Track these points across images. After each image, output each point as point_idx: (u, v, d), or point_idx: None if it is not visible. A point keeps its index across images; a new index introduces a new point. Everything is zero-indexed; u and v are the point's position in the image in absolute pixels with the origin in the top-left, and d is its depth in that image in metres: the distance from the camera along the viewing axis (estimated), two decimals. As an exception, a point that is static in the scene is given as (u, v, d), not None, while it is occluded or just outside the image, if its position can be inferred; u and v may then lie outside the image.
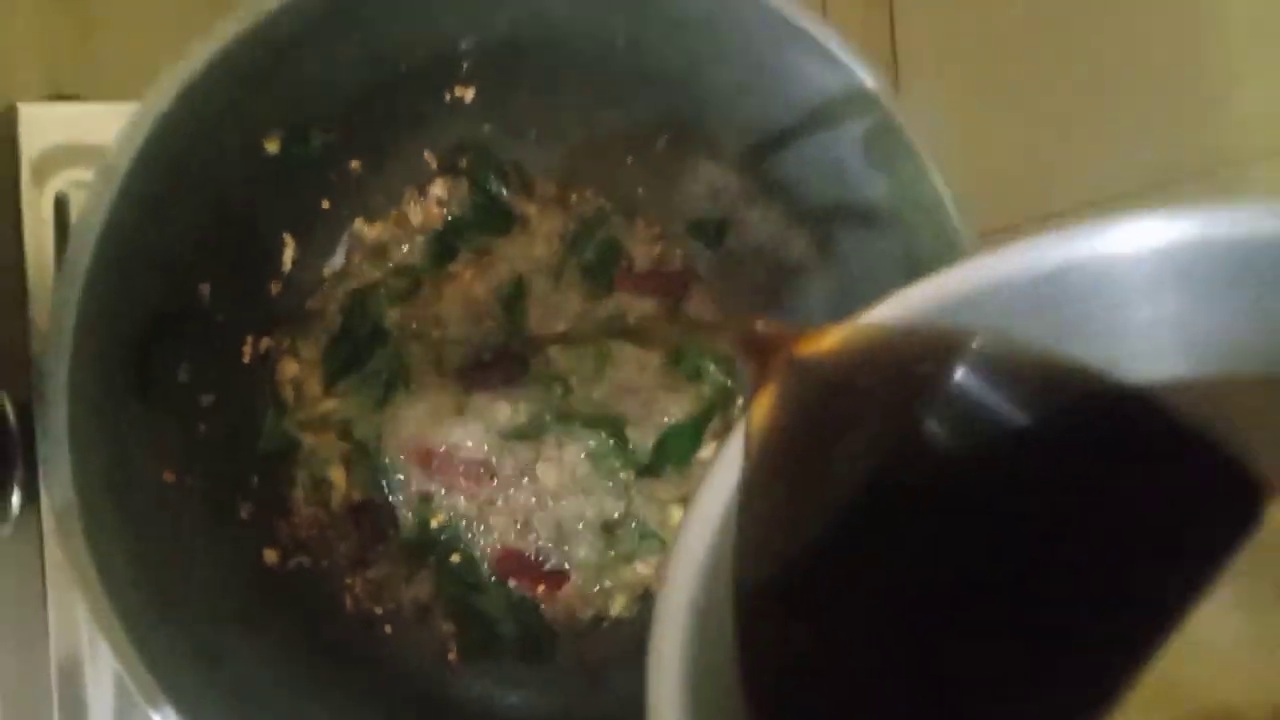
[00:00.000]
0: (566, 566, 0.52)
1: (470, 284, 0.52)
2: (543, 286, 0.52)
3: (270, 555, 0.48)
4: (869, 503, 0.33)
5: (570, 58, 0.48)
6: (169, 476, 0.43)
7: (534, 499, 0.51)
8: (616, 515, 0.52)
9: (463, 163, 0.51)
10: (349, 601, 0.49)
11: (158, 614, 0.39)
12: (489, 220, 0.51)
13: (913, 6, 0.78)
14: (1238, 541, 0.31)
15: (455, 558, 0.51)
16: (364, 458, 0.50)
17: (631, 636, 0.53)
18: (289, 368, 0.50)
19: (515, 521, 0.51)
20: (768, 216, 0.52)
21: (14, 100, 0.51)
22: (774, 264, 0.52)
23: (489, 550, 0.51)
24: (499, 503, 0.51)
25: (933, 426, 0.33)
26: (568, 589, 0.52)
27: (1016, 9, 0.73)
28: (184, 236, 0.43)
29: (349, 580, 0.50)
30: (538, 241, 0.52)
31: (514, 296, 0.51)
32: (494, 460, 0.51)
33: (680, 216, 0.53)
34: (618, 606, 0.53)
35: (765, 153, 0.50)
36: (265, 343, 0.49)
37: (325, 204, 0.50)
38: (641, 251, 0.53)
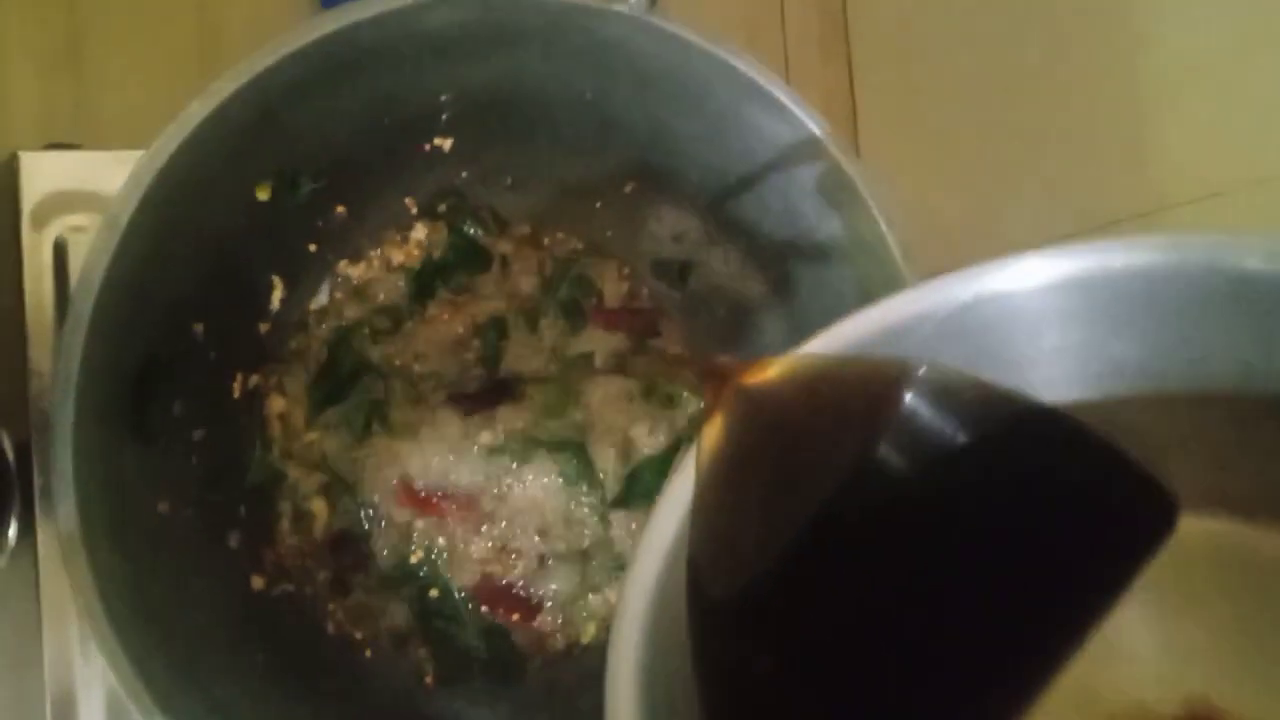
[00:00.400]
0: (540, 595, 0.54)
1: (451, 323, 0.54)
2: (521, 324, 0.55)
3: (257, 581, 0.50)
4: (819, 530, 0.36)
5: (542, 111, 0.51)
6: (164, 507, 0.46)
7: (509, 530, 0.54)
8: (588, 545, 0.54)
9: (441, 208, 0.54)
10: (331, 626, 0.52)
11: (154, 637, 0.42)
12: (467, 260, 0.54)
13: (870, 65, 0.82)
14: (1150, 552, 0.34)
15: (433, 592, 0.53)
16: (343, 490, 0.53)
17: (602, 662, 0.55)
18: (276, 403, 0.52)
19: (491, 552, 0.54)
20: (728, 257, 0.55)
21: (15, 149, 0.53)
22: (735, 302, 0.55)
23: (466, 581, 0.54)
24: (476, 535, 0.53)
25: (885, 451, 0.36)
26: (541, 618, 0.54)
27: (965, 64, 0.77)
28: (180, 280, 0.46)
29: (331, 606, 0.52)
30: (515, 280, 0.55)
31: (494, 333, 0.54)
32: (471, 491, 0.53)
33: (646, 258, 0.57)
34: (589, 635, 0.55)
35: (725, 198, 0.53)
36: (254, 379, 0.52)
37: (312, 247, 0.53)
38: (612, 289, 0.56)
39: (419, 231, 0.54)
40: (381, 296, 0.54)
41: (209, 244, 0.47)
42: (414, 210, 0.54)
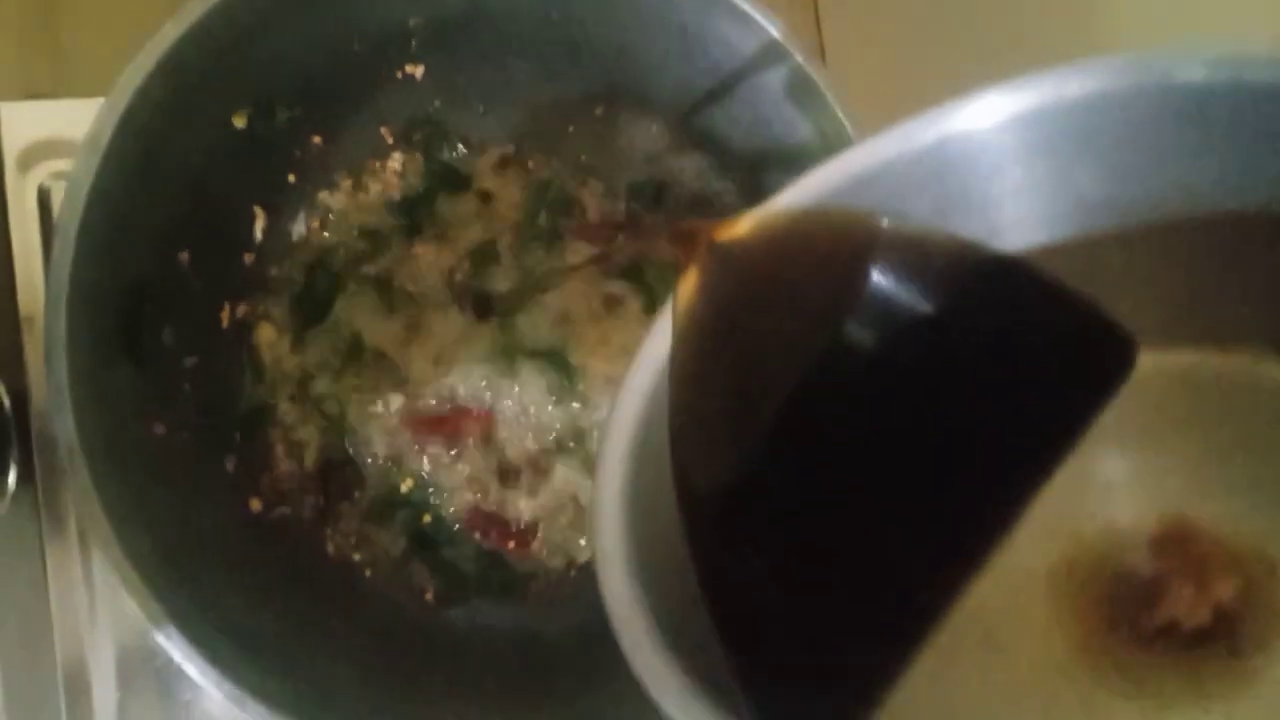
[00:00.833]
0: (535, 519, 0.55)
1: (438, 257, 0.55)
2: (505, 249, 0.56)
3: (255, 504, 0.51)
4: (796, 409, 0.37)
5: (510, 34, 0.52)
6: (159, 430, 0.47)
7: (498, 448, 0.54)
8: (580, 458, 0.55)
9: (417, 137, 0.55)
10: (330, 548, 0.53)
11: (157, 551, 0.43)
12: (445, 183, 0.55)
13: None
14: (1110, 390, 0.35)
15: (426, 518, 0.54)
16: (330, 418, 0.54)
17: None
18: (265, 333, 0.53)
19: (485, 473, 0.54)
20: (701, 173, 0.56)
21: (-4, 100, 0.54)
22: (710, 217, 0.56)
23: (458, 507, 0.54)
24: (463, 459, 0.54)
25: (854, 330, 0.37)
26: (536, 544, 0.55)
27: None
28: (163, 207, 0.47)
29: (328, 531, 0.53)
30: (496, 208, 0.56)
31: (480, 257, 0.55)
32: (459, 408, 0.54)
33: (622, 180, 0.57)
34: (586, 554, 0.56)
35: (694, 114, 0.54)
36: (242, 309, 0.53)
37: (291, 178, 0.53)
38: (591, 207, 0.57)
39: (395, 160, 0.55)
40: (361, 223, 0.55)
41: (190, 172, 0.48)
42: (390, 140, 0.55)
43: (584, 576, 0.55)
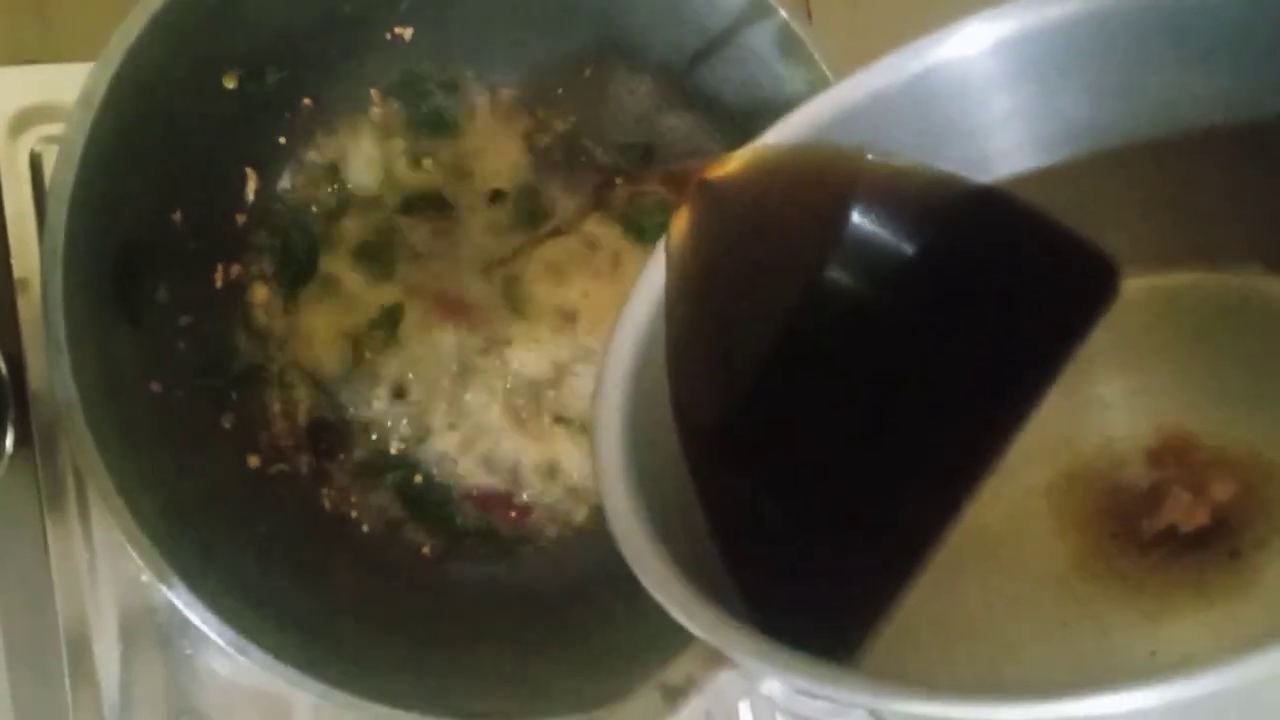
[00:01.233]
0: (529, 499, 0.55)
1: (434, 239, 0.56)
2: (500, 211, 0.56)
3: (253, 461, 0.52)
4: (787, 340, 0.37)
5: (499, -7, 0.53)
6: (156, 387, 0.47)
7: (495, 424, 0.55)
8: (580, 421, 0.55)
9: (407, 97, 0.56)
10: (327, 504, 0.53)
11: (157, 499, 0.43)
12: (434, 129, 0.55)
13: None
14: (1097, 313, 0.36)
15: (418, 479, 0.55)
16: (318, 378, 0.54)
17: (595, 536, 0.56)
18: (258, 293, 0.53)
19: (481, 456, 0.55)
20: (691, 134, 0.56)
21: (-16, 66, 0.55)
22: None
23: (458, 485, 0.55)
24: (461, 427, 0.55)
25: (835, 273, 0.37)
26: (534, 516, 0.55)
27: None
28: (156, 165, 0.47)
29: (324, 489, 0.53)
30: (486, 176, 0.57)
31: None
32: (454, 379, 0.55)
33: (611, 142, 0.58)
34: (581, 517, 0.56)
35: (684, 75, 0.55)
36: (235, 269, 0.53)
37: (282, 140, 0.54)
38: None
39: (383, 118, 0.56)
40: (350, 184, 0.55)
41: (182, 132, 0.48)
42: (378, 101, 0.56)
43: (578, 537, 0.56)
